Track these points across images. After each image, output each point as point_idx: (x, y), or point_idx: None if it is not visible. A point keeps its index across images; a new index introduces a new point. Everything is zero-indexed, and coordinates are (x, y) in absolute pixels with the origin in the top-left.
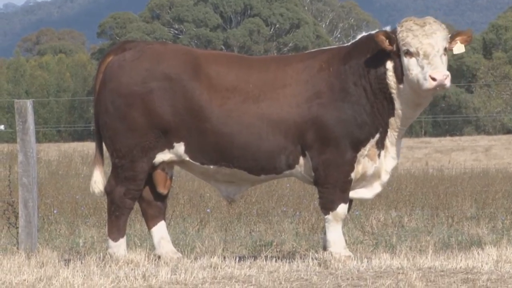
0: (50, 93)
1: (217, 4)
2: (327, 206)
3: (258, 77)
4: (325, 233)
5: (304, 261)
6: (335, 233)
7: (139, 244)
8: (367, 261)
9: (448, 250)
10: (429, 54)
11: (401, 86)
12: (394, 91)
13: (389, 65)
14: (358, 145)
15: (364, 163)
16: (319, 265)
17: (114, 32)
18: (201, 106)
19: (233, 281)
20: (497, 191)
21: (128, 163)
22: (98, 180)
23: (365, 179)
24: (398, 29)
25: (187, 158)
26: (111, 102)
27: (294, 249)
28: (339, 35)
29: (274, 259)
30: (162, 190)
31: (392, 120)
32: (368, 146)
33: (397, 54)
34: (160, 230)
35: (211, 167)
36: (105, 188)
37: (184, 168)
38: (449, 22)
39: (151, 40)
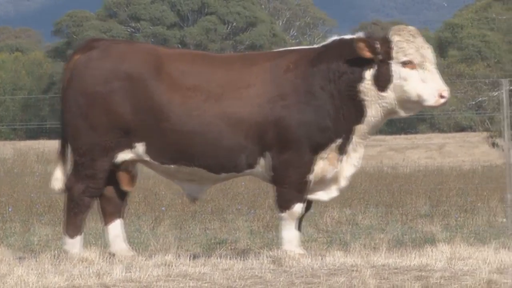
0: (6, 92)
1: (174, 2)
2: (284, 205)
3: (222, 75)
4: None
5: (258, 259)
6: (289, 231)
7: (93, 242)
8: (321, 259)
9: (401, 248)
10: (432, 69)
11: (383, 94)
12: (368, 98)
13: (368, 73)
14: (317, 148)
15: (324, 167)
16: (273, 262)
17: (70, 30)
18: (161, 105)
19: (187, 279)
20: (451, 189)
21: (88, 161)
22: (59, 177)
23: (324, 182)
24: (395, 38)
25: (148, 158)
26: (75, 101)
27: (248, 247)
28: (295, 33)
29: (228, 257)
30: (126, 187)
31: (359, 127)
32: (328, 150)
33: (384, 61)
34: (116, 228)
35: (171, 166)
36: (65, 184)
37: (147, 166)
38: (405, 20)
39: (119, 39)
